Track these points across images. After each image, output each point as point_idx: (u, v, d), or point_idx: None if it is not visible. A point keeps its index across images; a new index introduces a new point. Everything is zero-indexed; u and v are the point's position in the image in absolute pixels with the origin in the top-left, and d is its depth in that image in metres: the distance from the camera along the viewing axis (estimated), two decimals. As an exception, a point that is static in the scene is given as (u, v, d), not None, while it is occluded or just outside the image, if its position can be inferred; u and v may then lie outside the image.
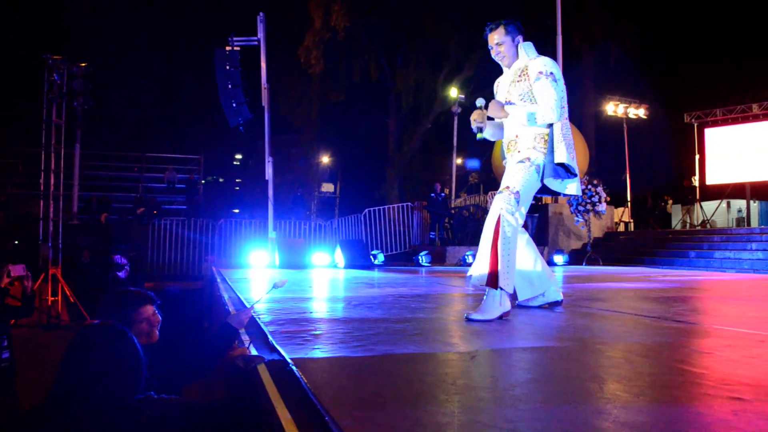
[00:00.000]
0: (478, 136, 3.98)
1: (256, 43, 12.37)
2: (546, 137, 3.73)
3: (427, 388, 1.95)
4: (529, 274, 4.07)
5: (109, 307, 2.98)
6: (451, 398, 1.83)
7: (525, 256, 4.00)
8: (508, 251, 3.58)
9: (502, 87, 4.00)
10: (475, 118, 3.87)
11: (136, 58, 22.05)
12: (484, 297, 3.67)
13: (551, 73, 3.69)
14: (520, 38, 3.87)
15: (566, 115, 3.79)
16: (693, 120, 19.70)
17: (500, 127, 4.07)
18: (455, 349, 2.72)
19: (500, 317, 3.56)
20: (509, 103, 3.82)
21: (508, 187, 3.66)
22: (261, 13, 12.42)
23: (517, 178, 3.69)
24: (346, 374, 2.25)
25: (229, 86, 11.96)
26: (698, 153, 19.73)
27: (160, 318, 3.00)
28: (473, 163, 24.39)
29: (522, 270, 3.96)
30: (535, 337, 3.05)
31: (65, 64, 11.48)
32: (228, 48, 12.10)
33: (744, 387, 1.98)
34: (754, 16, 21.28)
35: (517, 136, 3.83)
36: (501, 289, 3.55)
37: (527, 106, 3.72)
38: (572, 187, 3.87)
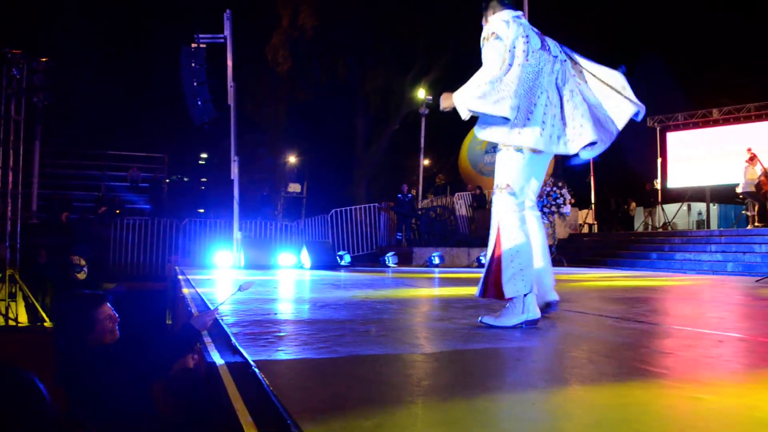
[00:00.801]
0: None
1: (222, 40, 12.22)
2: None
3: (392, 390, 1.93)
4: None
5: (69, 310, 2.97)
6: (416, 400, 1.81)
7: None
8: (513, 253, 3.21)
9: None
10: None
11: (99, 54, 21.61)
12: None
13: (493, 33, 3.24)
14: (498, 8, 3.40)
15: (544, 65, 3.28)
16: (656, 124, 20.10)
17: None
18: (420, 351, 2.71)
19: (520, 325, 3.23)
20: None
21: (498, 185, 3.37)
22: (228, 11, 12.28)
23: (500, 169, 3.36)
24: (309, 376, 2.22)
25: (195, 84, 11.80)
26: (660, 156, 20.13)
27: (117, 316, 2.99)
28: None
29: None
30: (498, 338, 3.05)
31: (25, 58, 11.20)
32: (194, 45, 11.94)
33: (703, 387, 2.01)
34: (715, 24, 21.80)
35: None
36: (515, 297, 3.21)
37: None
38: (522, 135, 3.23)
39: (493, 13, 3.40)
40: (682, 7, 21.59)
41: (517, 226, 3.28)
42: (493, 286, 3.23)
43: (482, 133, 3.33)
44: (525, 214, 3.39)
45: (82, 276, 10.63)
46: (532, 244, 3.36)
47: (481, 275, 3.36)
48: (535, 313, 3.25)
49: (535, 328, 3.26)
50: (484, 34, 3.30)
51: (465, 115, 3.29)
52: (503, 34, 3.22)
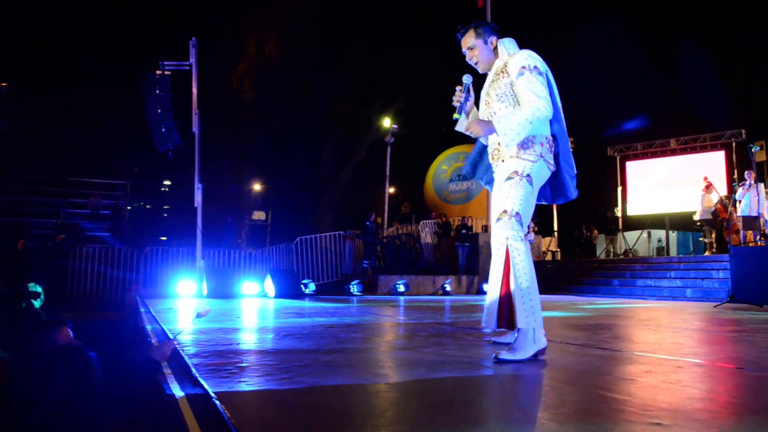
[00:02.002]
0: (455, 115, 3.58)
1: (187, 67, 12.21)
2: (535, 140, 3.33)
3: (355, 421, 1.91)
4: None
5: (31, 336, 2.92)
6: (379, 431, 1.79)
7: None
8: (525, 282, 3.17)
9: (483, 93, 3.61)
10: (456, 96, 3.50)
11: (61, 80, 21.34)
12: (515, 335, 3.30)
13: (535, 67, 3.29)
14: (493, 38, 3.52)
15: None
16: (615, 153, 20.55)
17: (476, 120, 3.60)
18: (384, 380, 2.69)
19: (535, 356, 3.20)
20: (488, 108, 3.49)
21: (505, 211, 3.26)
22: (193, 38, 12.29)
23: (512, 197, 3.27)
24: (271, 408, 2.18)
25: (159, 111, 11.73)
26: (621, 185, 20.55)
27: (79, 343, 2.93)
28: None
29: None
30: (462, 368, 3.05)
31: (-17, 84, 11.00)
32: (159, 72, 11.89)
33: (664, 413, 2.03)
34: (670, 57, 22.53)
35: (499, 144, 3.40)
36: (525, 329, 3.18)
37: (509, 110, 3.33)
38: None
39: (482, 38, 3.48)
40: (643, 37, 22.27)
41: (527, 254, 3.25)
42: (507, 318, 3.18)
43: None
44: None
45: (38, 304, 10.31)
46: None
47: (489, 304, 3.29)
48: (543, 342, 3.25)
49: (539, 359, 3.23)
50: (520, 62, 3.31)
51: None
52: (545, 71, 3.33)
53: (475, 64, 3.57)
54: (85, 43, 22.09)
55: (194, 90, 12.27)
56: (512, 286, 3.16)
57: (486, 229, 15.70)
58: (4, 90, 11.39)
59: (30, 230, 16.17)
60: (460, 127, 3.67)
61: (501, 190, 3.34)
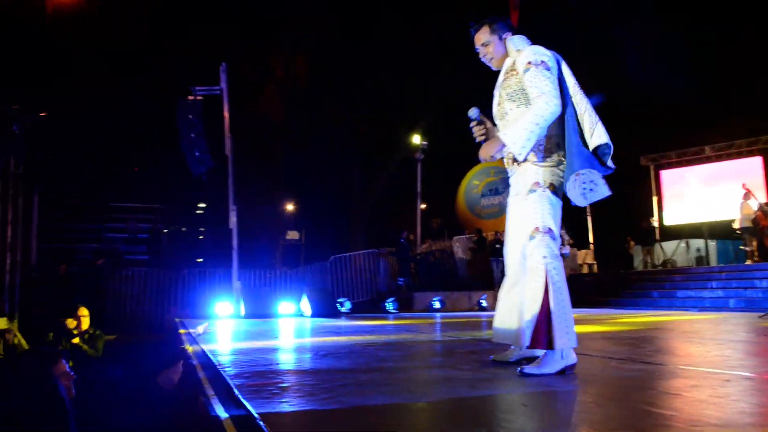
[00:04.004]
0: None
1: (218, 92, 12.43)
2: (549, 142, 3.23)
3: (399, 441, 1.91)
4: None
5: (25, 368, 2.98)
6: (423, 450, 1.79)
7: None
8: (562, 302, 3.11)
9: (495, 91, 3.50)
10: (475, 133, 3.48)
11: (96, 108, 21.91)
12: (519, 351, 3.35)
13: (542, 62, 3.19)
14: (508, 35, 3.43)
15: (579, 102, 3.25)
16: (649, 162, 20.29)
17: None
18: (425, 399, 2.68)
19: (563, 371, 3.13)
20: (499, 108, 3.41)
21: (537, 229, 3.15)
22: (223, 63, 12.53)
23: (539, 212, 3.17)
24: (314, 428, 2.19)
25: (192, 135, 11.95)
26: (656, 194, 20.26)
27: (73, 375, 2.99)
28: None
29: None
30: (503, 385, 3.03)
31: (24, 113, 11.32)
32: (190, 97, 12.13)
33: (712, 428, 1.99)
34: (703, 63, 22.19)
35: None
36: (563, 348, 3.11)
37: (518, 112, 3.25)
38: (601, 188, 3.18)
39: (497, 34, 3.42)
40: (669, 45, 21.98)
41: (563, 272, 3.18)
42: (544, 338, 3.08)
43: (598, 191, 3.19)
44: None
45: (84, 326, 10.51)
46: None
47: (524, 323, 3.17)
48: (573, 358, 3.19)
49: (568, 374, 3.17)
50: (527, 57, 3.22)
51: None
52: (553, 66, 3.22)
53: (489, 60, 3.50)
54: (118, 70, 22.66)
55: (226, 114, 12.49)
56: (552, 306, 3.08)
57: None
58: (43, 120, 11.70)
59: (71, 255, 16.52)
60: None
61: (526, 205, 3.23)
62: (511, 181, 3.44)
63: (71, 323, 8.37)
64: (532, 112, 3.10)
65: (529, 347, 3.16)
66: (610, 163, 3.21)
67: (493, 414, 2.39)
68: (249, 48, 24.23)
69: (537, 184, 3.20)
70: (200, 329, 3.05)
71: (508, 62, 3.40)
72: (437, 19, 22.90)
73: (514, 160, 3.31)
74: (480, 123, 3.48)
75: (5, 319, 9.53)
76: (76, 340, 7.84)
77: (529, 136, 3.10)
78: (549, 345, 3.09)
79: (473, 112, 3.47)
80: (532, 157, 3.22)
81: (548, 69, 3.18)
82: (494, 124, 3.54)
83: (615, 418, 2.21)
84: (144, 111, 22.48)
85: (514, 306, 3.27)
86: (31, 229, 15.65)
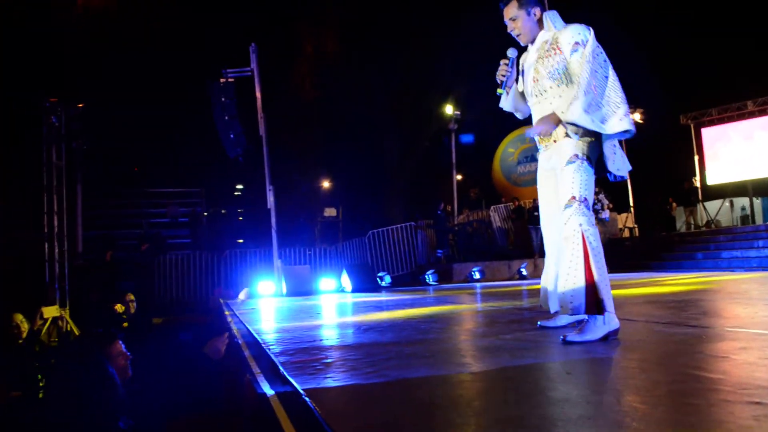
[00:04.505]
0: (498, 90, 3.60)
1: (249, 73, 12.46)
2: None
3: (444, 413, 1.93)
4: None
5: (84, 348, 3.07)
6: (469, 421, 1.81)
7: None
8: (602, 267, 3.20)
9: (528, 67, 3.55)
10: (500, 71, 3.53)
11: (130, 96, 22.21)
12: (564, 318, 3.55)
13: (588, 42, 3.23)
14: (537, 10, 3.46)
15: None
16: (689, 121, 19.75)
17: (523, 100, 3.67)
18: (468, 369, 2.69)
19: (605, 337, 3.18)
20: (536, 85, 3.44)
21: (574, 197, 3.23)
22: (253, 44, 12.53)
23: (577, 182, 3.24)
24: (360, 403, 2.22)
25: (226, 118, 12.04)
26: (697, 154, 19.77)
27: (129, 354, 3.06)
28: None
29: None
30: (545, 353, 3.02)
31: (62, 106, 11.55)
32: (222, 80, 12.19)
33: (763, 390, 1.96)
34: (743, 18, 21.41)
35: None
36: (611, 311, 3.20)
37: (569, 94, 3.26)
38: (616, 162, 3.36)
39: (525, 8, 3.43)
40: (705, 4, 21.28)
41: (599, 240, 3.27)
42: (593, 305, 3.15)
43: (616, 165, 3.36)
44: None
45: (132, 310, 10.80)
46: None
47: (570, 290, 3.21)
48: (616, 323, 3.22)
49: (611, 339, 3.20)
50: (573, 37, 3.24)
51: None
52: (597, 46, 3.25)
53: (517, 36, 3.53)
54: (150, 57, 22.87)
55: (258, 94, 12.52)
56: (595, 272, 3.15)
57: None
58: (80, 111, 11.91)
59: (116, 242, 16.91)
60: (504, 102, 3.71)
61: (564, 176, 3.28)
62: (543, 156, 3.51)
63: (120, 308, 8.60)
64: (585, 94, 3.14)
65: (584, 313, 3.18)
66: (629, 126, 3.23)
67: (536, 383, 2.39)
68: (277, 26, 24.23)
69: (576, 156, 3.26)
70: (242, 295, 3.16)
71: (543, 37, 3.43)
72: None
73: (552, 136, 3.39)
74: (511, 66, 3.52)
75: (56, 306, 9.82)
76: (125, 325, 8.06)
77: (586, 116, 3.16)
78: (599, 310, 3.14)
79: (512, 52, 3.50)
80: (571, 130, 3.28)
81: (596, 49, 3.21)
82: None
83: (661, 384, 2.19)
84: (179, 95, 22.70)
85: (560, 275, 3.31)
86: (76, 219, 16.06)
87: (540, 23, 3.47)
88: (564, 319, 3.71)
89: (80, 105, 11.94)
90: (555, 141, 3.37)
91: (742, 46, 20.36)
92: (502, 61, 3.50)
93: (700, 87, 21.13)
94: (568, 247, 3.22)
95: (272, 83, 19.02)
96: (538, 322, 3.87)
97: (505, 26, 3.55)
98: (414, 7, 23.56)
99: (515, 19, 3.46)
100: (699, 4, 21.94)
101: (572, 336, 3.18)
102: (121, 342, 3.11)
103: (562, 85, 3.32)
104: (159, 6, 22.88)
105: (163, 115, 24.29)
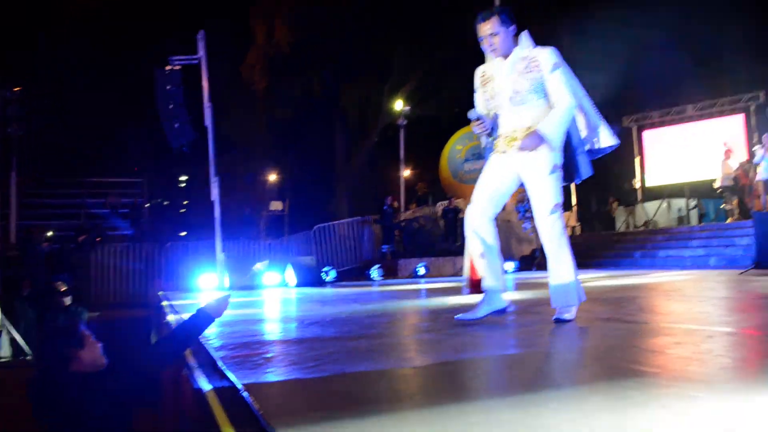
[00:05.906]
0: (491, 140, 3.89)
1: (196, 61, 12.17)
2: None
3: (383, 406, 1.90)
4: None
5: (50, 344, 2.94)
6: (408, 416, 1.78)
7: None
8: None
9: (499, 78, 3.72)
10: (477, 130, 3.77)
11: (72, 82, 21.48)
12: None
13: (563, 64, 3.64)
14: (513, 27, 3.68)
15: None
16: (631, 123, 20.28)
17: (487, 108, 3.87)
18: (411, 364, 2.68)
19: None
20: (516, 95, 3.65)
21: (557, 204, 3.62)
22: (201, 31, 12.23)
23: (557, 190, 3.62)
24: (299, 397, 2.18)
25: (171, 106, 11.73)
26: (638, 155, 20.30)
27: (99, 343, 2.96)
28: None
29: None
30: (488, 347, 3.03)
31: (-4, 89, 11.08)
32: (168, 68, 11.88)
33: (696, 384, 2.00)
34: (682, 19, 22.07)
35: (529, 129, 3.60)
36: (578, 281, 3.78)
37: (542, 106, 3.63)
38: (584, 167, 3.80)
39: (506, 25, 3.63)
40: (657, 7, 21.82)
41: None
42: (576, 294, 3.73)
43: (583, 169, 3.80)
44: None
45: (67, 302, 10.43)
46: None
47: (573, 283, 3.77)
48: (584, 294, 3.85)
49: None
50: (551, 59, 3.58)
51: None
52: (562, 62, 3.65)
53: (492, 50, 3.70)
54: (94, 43, 22.16)
55: (205, 83, 12.22)
56: (575, 270, 3.79)
57: (504, 207, 15.56)
58: (17, 94, 11.43)
59: (52, 232, 16.34)
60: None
61: (548, 183, 3.59)
62: (509, 158, 3.70)
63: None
64: (564, 110, 3.55)
65: (576, 303, 3.75)
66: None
67: (476, 376, 2.39)
68: (227, 14, 23.82)
69: (556, 166, 3.60)
70: (259, 266, 3.19)
71: (521, 53, 3.65)
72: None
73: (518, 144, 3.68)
74: (480, 121, 3.73)
75: None
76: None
77: (564, 129, 3.59)
78: (580, 298, 3.77)
79: (473, 114, 3.73)
80: (553, 146, 3.58)
81: (568, 68, 3.64)
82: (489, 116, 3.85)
83: (600, 377, 2.21)
84: (122, 83, 22.09)
85: (556, 271, 3.81)
86: (9, 207, 15.44)
87: (515, 40, 3.69)
88: (483, 311, 3.77)
89: (17, 88, 11.47)
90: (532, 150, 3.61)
91: (685, 52, 20.96)
92: (474, 123, 3.71)
93: (643, 90, 21.66)
94: (562, 248, 3.73)
95: (220, 72, 18.68)
96: (455, 317, 3.83)
97: (476, 38, 3.71)
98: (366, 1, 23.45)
99: (496, 35, 3.63)
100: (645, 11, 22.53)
101: (563, 316, 3.69)
102: (86, 329, 2.98)
103: (540, 99, 3.62)
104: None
105: (105, 102, 23.59)
